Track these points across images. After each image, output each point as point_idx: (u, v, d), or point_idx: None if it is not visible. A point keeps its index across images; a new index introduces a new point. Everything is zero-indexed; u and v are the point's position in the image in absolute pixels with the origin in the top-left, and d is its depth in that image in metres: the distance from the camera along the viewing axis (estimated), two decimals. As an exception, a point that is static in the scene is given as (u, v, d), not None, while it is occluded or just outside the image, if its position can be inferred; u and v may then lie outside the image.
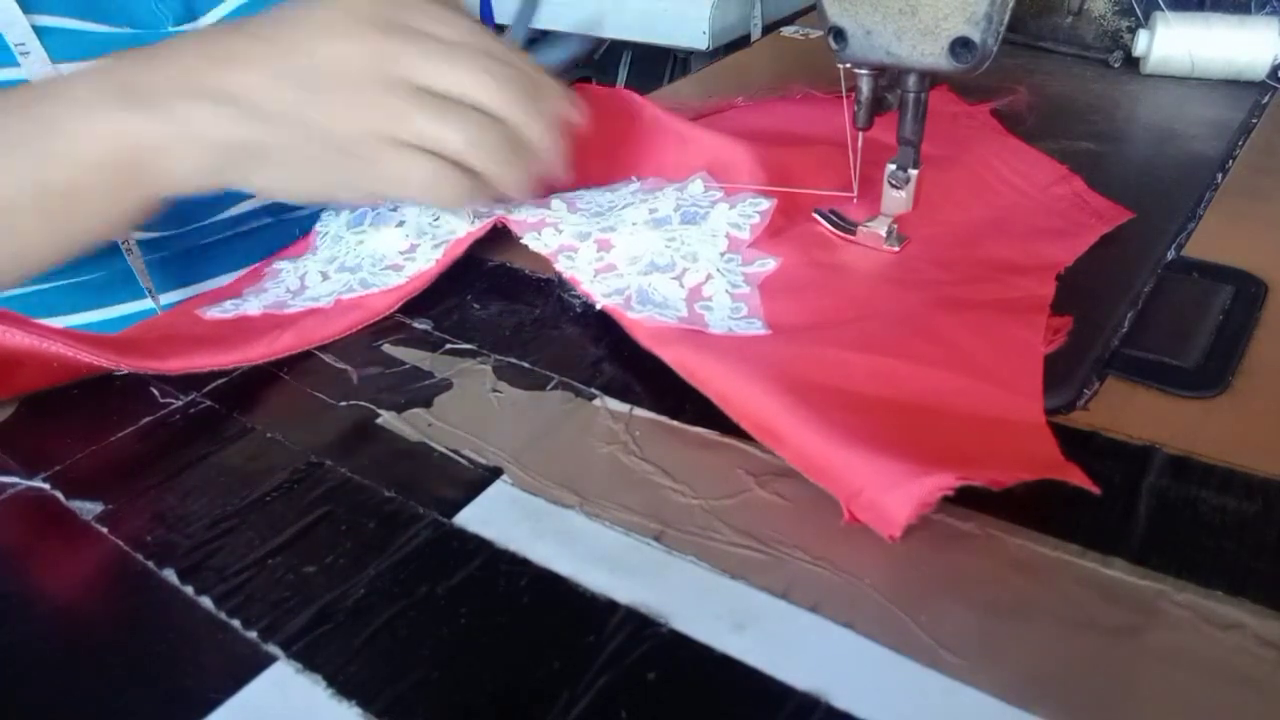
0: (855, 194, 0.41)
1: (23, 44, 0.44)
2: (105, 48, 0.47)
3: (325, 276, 0.41)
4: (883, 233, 0.39)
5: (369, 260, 0.41)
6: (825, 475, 0.27)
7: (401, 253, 0.41)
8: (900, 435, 0.27)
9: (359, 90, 0.36)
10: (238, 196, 0.51)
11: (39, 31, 0.44)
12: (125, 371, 0.35)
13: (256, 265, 0.45)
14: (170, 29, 0.50)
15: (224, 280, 0.45)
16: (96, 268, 0.48)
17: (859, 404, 0.29)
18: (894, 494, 0.25)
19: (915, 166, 0.38)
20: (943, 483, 0.25)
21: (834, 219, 0.40)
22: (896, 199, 0.39)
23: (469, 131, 0.36)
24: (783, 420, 0.28)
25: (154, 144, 0.36)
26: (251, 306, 0.39)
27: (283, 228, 0.55)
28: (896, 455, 0.26)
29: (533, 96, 0.37)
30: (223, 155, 0.36)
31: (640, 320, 0.34)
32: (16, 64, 0.44)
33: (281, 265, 0.43)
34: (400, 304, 0.39)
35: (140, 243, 0.49)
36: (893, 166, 0.38)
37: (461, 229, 0.41)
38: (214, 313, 0.39)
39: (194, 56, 0.37)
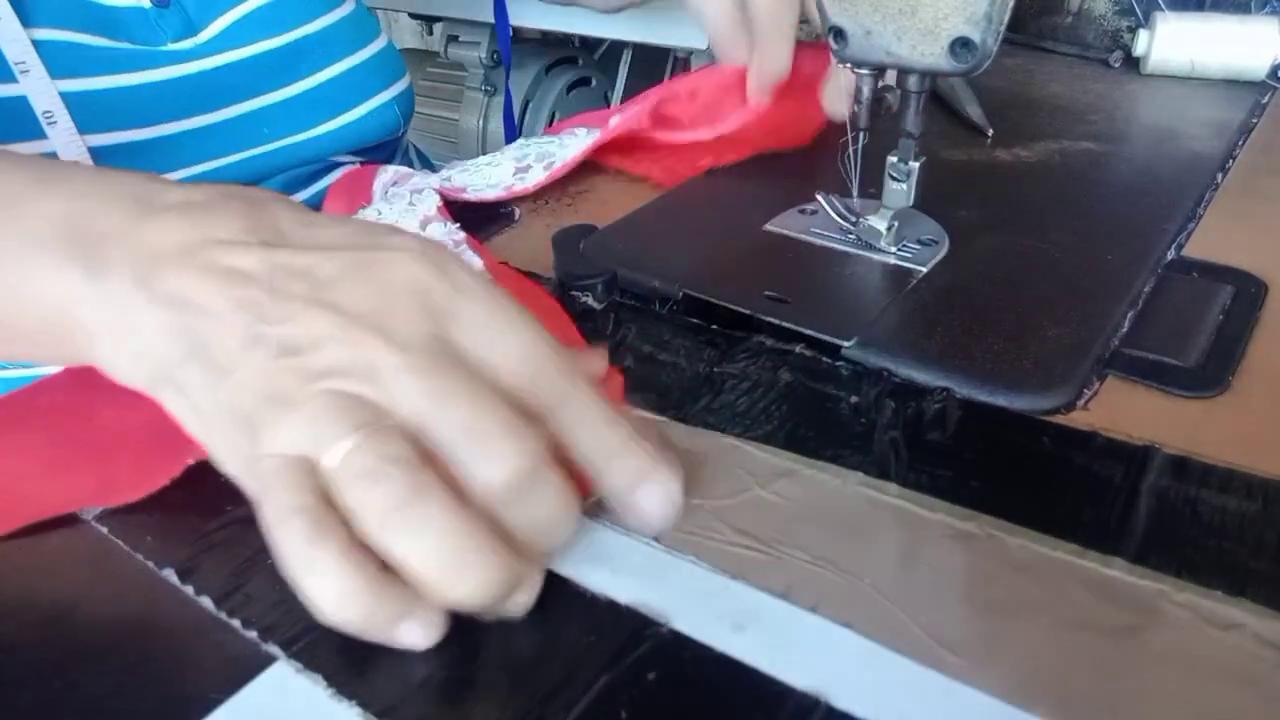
0: (855, 194, 0.41)
1: (23, 62, 0.43)
2: (105, 64, 0.47)
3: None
4: (882, 227, 0.39)
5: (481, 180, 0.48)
6: None
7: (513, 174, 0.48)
8: None
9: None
10: None
11: (38, 46, 0.43)
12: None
13: None
14: (170, 45, 0.50)
15: None
16: None
17: None
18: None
19: (917, 159, 0.38)
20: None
21: (836, 207, 0.40)
22: (897, 191, 0.38)
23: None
24: None
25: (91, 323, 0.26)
26: None
27: None
28: None
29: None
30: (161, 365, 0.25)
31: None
32: (15, 80, 0.43)
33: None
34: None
35: None
36: (894, 159, 0.38)
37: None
38: None
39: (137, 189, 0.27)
